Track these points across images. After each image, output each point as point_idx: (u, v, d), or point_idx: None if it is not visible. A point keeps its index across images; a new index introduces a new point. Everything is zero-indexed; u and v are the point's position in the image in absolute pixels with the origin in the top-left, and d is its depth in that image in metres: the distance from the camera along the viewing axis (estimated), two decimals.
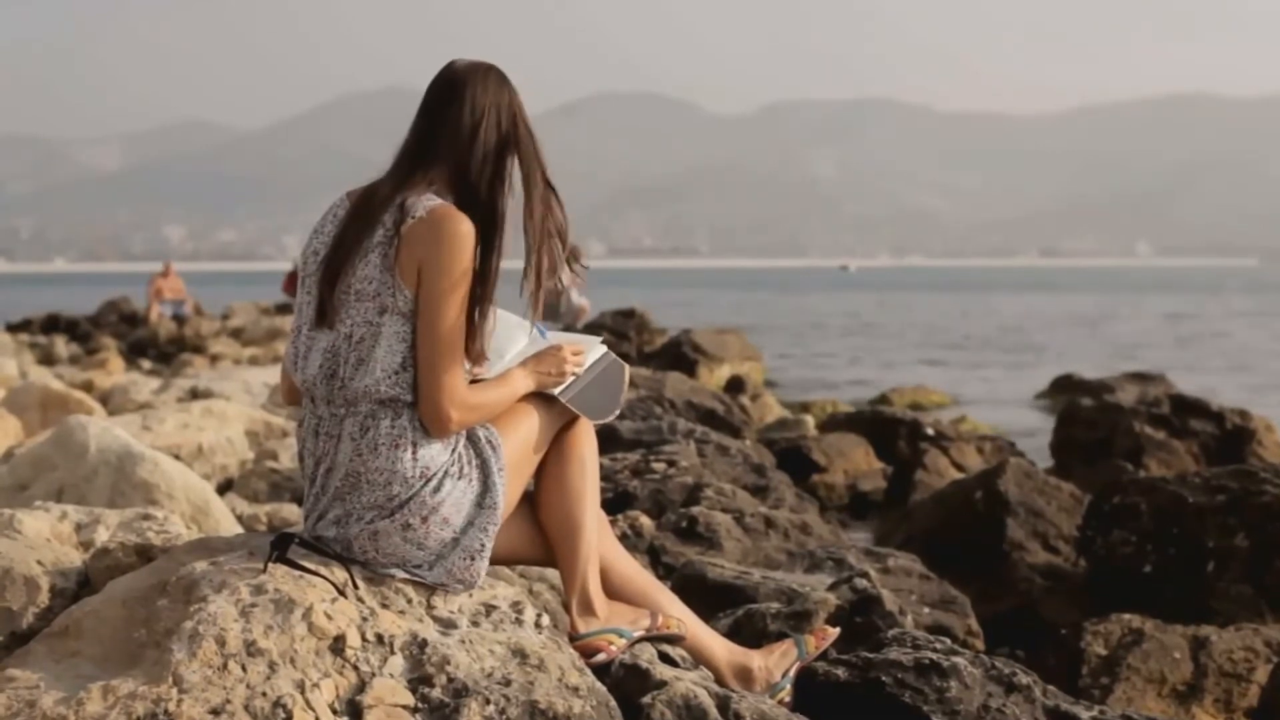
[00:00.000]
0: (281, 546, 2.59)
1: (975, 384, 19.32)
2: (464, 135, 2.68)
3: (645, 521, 4.90)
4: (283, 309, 27.20)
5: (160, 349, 18.67)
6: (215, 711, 2.24)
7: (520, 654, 2.54)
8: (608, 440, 6.56)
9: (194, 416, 7.14)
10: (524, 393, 2.75)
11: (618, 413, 2.93)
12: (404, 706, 2.37)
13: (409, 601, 2.61)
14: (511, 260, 2.70)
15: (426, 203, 2.61)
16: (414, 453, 2.59)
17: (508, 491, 2.70)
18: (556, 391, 2.79)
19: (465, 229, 2.59)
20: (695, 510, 5.04)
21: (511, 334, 2.83)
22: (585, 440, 2.86)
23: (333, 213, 2.73)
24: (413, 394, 2.61)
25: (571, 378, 2.82)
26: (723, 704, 2.67)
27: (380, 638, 2.48)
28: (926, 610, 4.40)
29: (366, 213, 2.64)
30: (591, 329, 17.48)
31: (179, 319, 22.68)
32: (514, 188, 2.72)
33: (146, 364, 16.80)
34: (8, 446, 6.79)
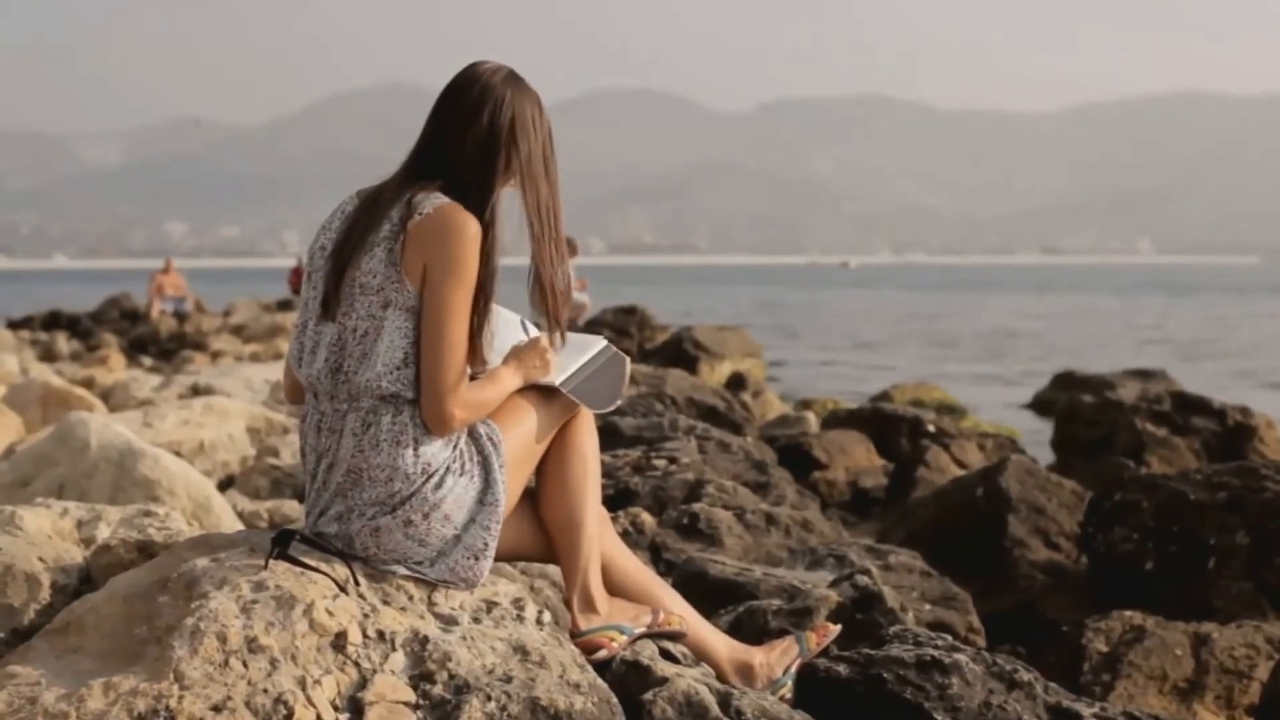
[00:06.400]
0: (283, 543, 2.59)
1: (980, 381, 19.32)
2: (462, 135, 2.68)
3: (646, 518, 4.90)
4: (284, 305, 27.21)
5: (161, 346, 18.67)
6: (216, 708, 2.24)
7: (521, 651, 2.54)
8: (609, 437, 6.56)
9: (195, 413, 7.14)
10: (514, 389, 2.75)
11: (619, 403, 2.93)
12: (405, 703, 2.37)
13: (410, 598, 2.61)
14: (508, 258, 2.70)
15: (434, 200, 2.61)
16: (415, 449, 2.59)
17: (509, 488, 2.70)
18: (558, 382, 2.79)
19: (472, 228, 2.59)
20: (696, 507, 5.04)
21: (510, 331, 2.83)
22: (586, 437, 2.86)
23: (341, 209, 2.74)
24: (414, 390, 2.61)
25: (558, 367, 2.82)
26: (724, 701, 2.67)
27: (382, 634, 2.48)
28: (928, 607, 4.40)
29: (374, 208, 2.65)
30: (592, 326, 17.48)
31: (180, 316, 22.69)
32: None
33: (148, 361, 16.79)
34: (9, 443, 6.80)
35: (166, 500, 4.90)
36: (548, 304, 2.73)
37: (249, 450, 7.05)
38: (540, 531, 2.86)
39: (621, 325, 18.23)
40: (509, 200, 2.71)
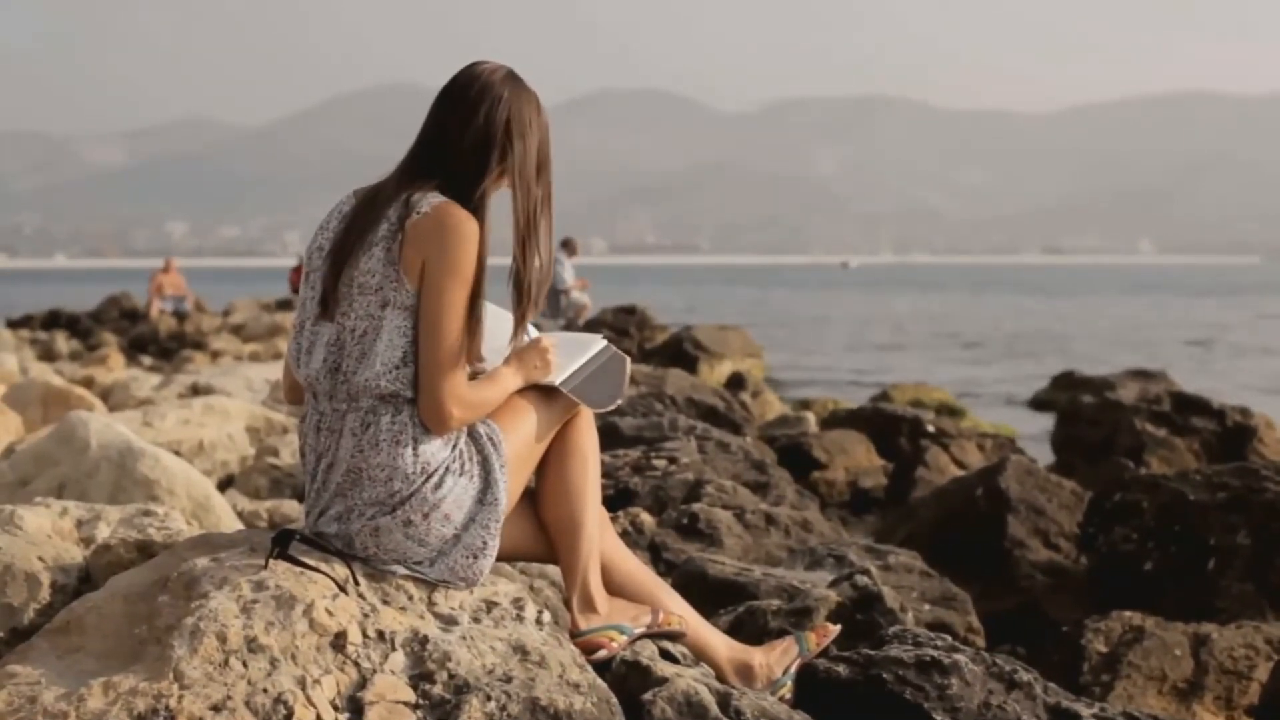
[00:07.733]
0: (283, 543, 2.59)
1: (980, 381, 19.32)
2: (460, 134, 2.68)
3: (646, 518, 4.90)
4: (284, 305, 27.21)
5: (161, 345, 18.67)
6: (216, 708, 2.24)
7: (521, 651, 2.54)
8: (608, 437, 6.56)
9: (195, 413, 7.14)
10: (514, 389, 2.75)
11: (619, 402, 2.93)
12: (405, 703, 2.37)
13: (410, 598, 2.61)
14: (496, 257, 2.70)
15: (432, 199, 2.61)
16: (415, 449, 2.59)
17: (509, 488, 2.70)
18: (558, 382, 2.79)
19: (470, 227, 2.59)
20: (696, 507, 5.04)
21: (507, 330, 2.83)
22: (587, 436, 2.86)
23: (339, 209, 2.74)
24: (413, 390, 2.61)
25: (558, 367, 2.82)
26: (724, 701, 2.67)
27: (381, 634, 2.48)
28: (927, 607, 4.40)
29: (372, 208, 2.65)
30: (592, 326, 17.48)
31: (180, 315, 22.70)
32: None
33: (147, 360, 16.80)
34: (9, 442, 6.80)
35: (166, 500, 4.90)
36: (521, 305, 2.74)
37: (249, 450, 7.05)
38: (540, 531, 2.86)
39: (621, 325, 18.22)
40: (500, 199, 2.72)
